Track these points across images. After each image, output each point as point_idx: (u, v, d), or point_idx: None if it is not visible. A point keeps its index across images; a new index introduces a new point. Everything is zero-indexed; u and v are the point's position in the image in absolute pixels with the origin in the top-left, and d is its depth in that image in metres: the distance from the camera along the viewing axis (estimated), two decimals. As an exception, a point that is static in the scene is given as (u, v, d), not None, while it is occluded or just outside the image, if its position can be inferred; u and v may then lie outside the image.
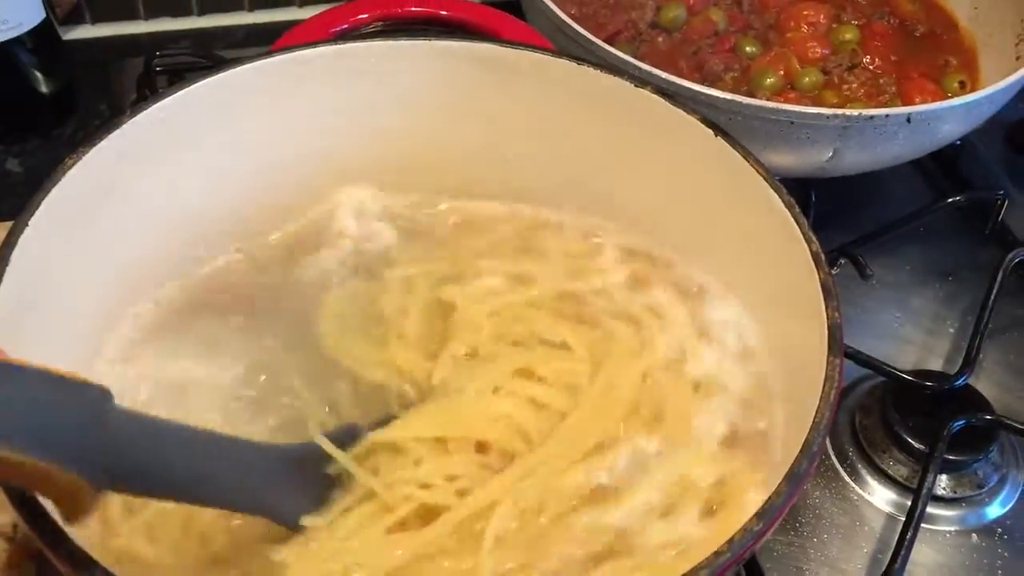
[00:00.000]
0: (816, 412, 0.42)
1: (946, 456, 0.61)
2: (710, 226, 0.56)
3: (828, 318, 0.45)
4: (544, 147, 0.61)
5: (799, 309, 0.48)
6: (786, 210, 0.50)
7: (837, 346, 0.44)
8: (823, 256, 0.47)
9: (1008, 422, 0.63)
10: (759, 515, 0.38)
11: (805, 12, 0.81)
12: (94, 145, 0.50)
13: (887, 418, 0.64)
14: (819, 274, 0.47)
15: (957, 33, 0.83)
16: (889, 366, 0.64)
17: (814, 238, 0.48)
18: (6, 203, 0.75)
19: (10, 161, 0.80)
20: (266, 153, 0.58)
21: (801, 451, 0.40)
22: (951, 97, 0.75)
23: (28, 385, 0.34)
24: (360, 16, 0.68)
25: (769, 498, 0.38)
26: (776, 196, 0.50)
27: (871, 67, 0.77)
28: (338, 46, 0.57)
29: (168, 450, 0.40)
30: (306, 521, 0.44)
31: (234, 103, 0.56)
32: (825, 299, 0.46)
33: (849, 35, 0.79)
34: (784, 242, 0.50)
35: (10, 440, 0.32)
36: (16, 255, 0.45)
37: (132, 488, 0.39)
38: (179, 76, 0.84)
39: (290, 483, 0.45)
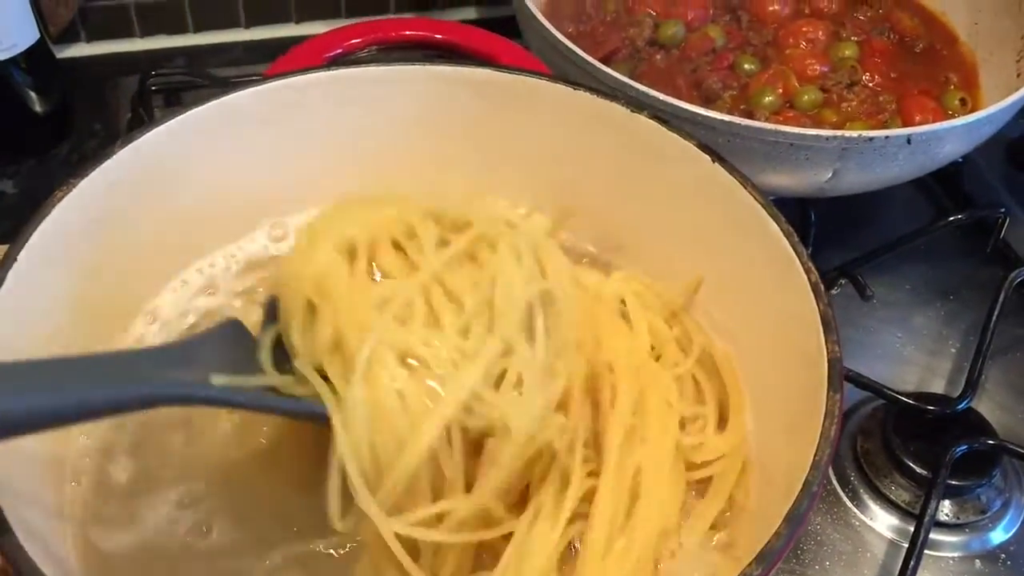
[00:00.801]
0: (816, 450, 0.41)
1: (949, 481, 0.60)
2: (707, 253, 0.55)
3: (828, 352, 0.44)
4: (540, 172, 0.60)
5: (798, 341, 0.48)
6: (784, 239, 0.49)
7: (837, 380, 0.43)
8: (823, 287, 0.47)
9: (1011, 447, 0.62)
10: (758, 559, 0.37)
11: (804, 28, 0.80)
12: (85, 175, 0.49)
13: (889, 442, 0.63)
14: (819, 306, 0.46)
15: (957, 48, 0.82)
16: (890, 389, 0.64)
17: (813, 268, 0.48)
18: (1, 224, 0.75)
19: (4, 182, 0.79)
20: (260, 177, 0.58)
21: (801, 490, 0.40)
22: (951, 115, 0.75)
23: None
24: (354, 41, 0.68)
25: (768, 541, 0.38)
26: (774, 224, 0.50)
27: (871, 84, 0.77)
28: (332, 72, 0.57)
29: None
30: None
31: (227, 130, 0.55)
32: (824, 332, 0.45)
33: (848, 52, 0.78)
34: (783, 271, 0.49)
35: None
36: (5, 289, 0.45)
37: None
38: (174, 95, 0.84)
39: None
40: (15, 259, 0.45)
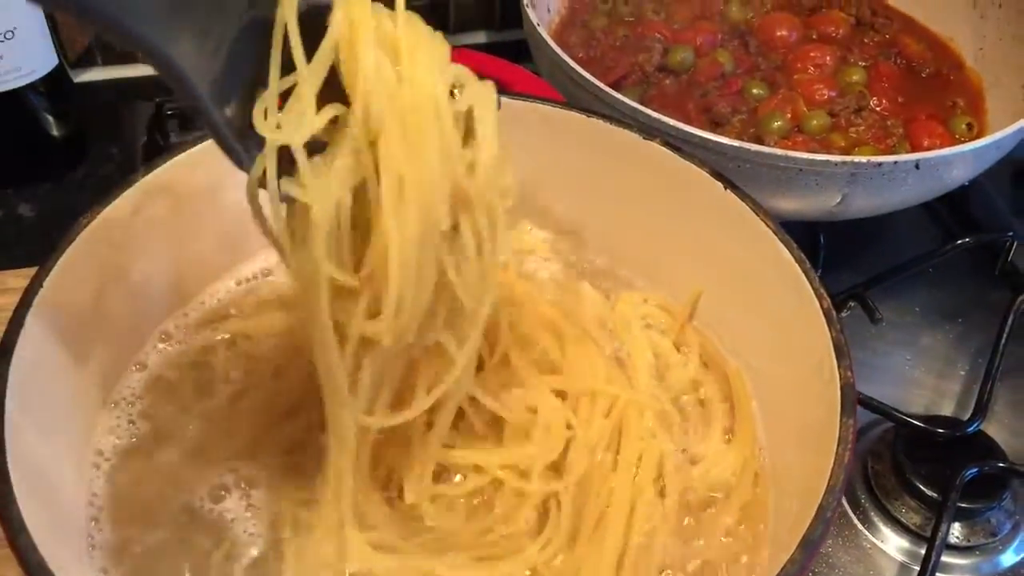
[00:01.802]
0: (830, 475, 0.42)
1: (959, 504, 0.61)
2: (720, 277, 0.56)
3: (840, 378, 0.45)
4: (556, 195, 0.61)
5: (811, 365, 0.48)
6: (797, 266, 0.50)
7: (850, 407, 0.44)
8: (835, 313, 0.47)
9: (1021, 470, 0.63)
10: (774, 585, 0.38)
11: (812, 53, 0.81)
12: (108, 203, 0.50)
13: (899, 465, 0.63)
14: (831, 332, 0.47)
15: (964, 73, 0.83)
16: (900, 412, 0.64)
17: (825, 295, 0.49)
18: (19, 248, 0.76)
19: (22, 206, 0.80)
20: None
21: (816, 516, 0.40)
22: (959, 139, 0.76)
23: None
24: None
25: (784, 567, 0.38)
26: (787, 251, 0.51)
27: (878, 109, 0.78)
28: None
29: None
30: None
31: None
32: (837, 358, 0.46)
33: (856, 76, 0.79)
34: (795, 297, 0.50)
35: None
36: (31, 317, 0.45)
37: None
38: (189, 119, 0.85)
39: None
40: (41, 284, 0.46)
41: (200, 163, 0.54)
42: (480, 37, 0.99)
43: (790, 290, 0.50)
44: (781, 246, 0.51)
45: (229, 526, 0.48)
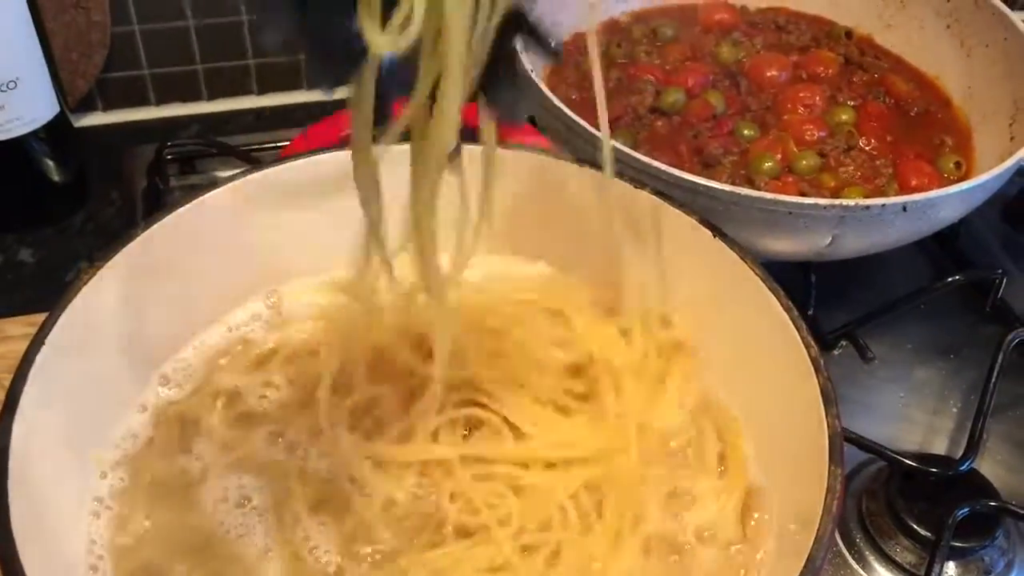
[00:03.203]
0: (819, 525, 0.42)
1: (952, 543, 0.61)
2: (710, 322, 0.57)
3: (828, 426, 0.46)
4: (547, 238, 0.62)
5: (799, 411, 0.49)
6: (785, 313, 0.51)
7: (838, 455, 0.45)
8: (822, 362, 0.48)
9: (1013, 508, 0.63)
10: (764, 636, 0.38)
11: (801, 94, 0.82)
12: (107, 260, 0.51)
13: (892, 504, 0.64)
14: (819, 380, 0.48)
15: (951, 112, 0.84)
16: (892, 451, 0.65)
17: (813, 343, 0.49)
18: (19, 294, 0.77)
19: (23, 252, 0.81)
20: (280, 256, 0.60)
21: (805, 566, 0.41)
22: (947, 178, 0.77)
23: None
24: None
25: (775, 617, 0.39)
26: (775, 299, 0.52)
27: (867, 148, 0.79)
28: (344, 151, 0.58)
29: None
30: None
31: (246, 208, 0.57)
32: (825, 405, 0.47)
33: (845, 116, 0.80)
34: (783, 344, 0.51)
35: None
36: (33, 372, 0.46)
37: None
38: (188, 164, 0.86)
39: None
40: (43, 342, 0.47)
41: (201, 216, 0.55)
42: (475, 78, 1.00)
43: (779, 336, 0.51)
44: (770, 294, 0.52)
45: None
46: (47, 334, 0.47)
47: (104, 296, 0.51)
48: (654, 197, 0.57)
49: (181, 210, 0.54)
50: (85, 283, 0.49)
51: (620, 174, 0.58)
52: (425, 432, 0.52)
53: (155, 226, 0.53)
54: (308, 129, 0.71)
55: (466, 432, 0.54)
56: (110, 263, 0.51)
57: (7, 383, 0.48)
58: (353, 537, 0.50)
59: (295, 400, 0.55)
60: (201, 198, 0.55)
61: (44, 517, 0.46)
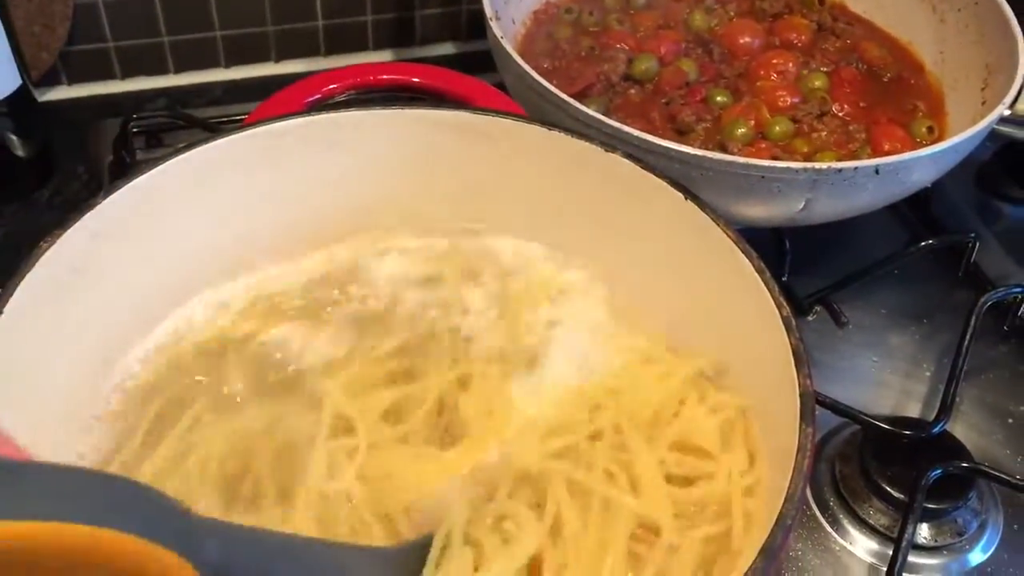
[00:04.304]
0: (789, 483, 0.42)
1: (925, 505, 0.61)
2: (684, 286, 0.57)
3: (800, 386, 0.46)
4: (521, 208, 0.61)
5: (773, 372, 0.49)
6: (757, 275, 0.50)
7: (809, 415, 0.44)
8: (794, 322, 0.48)
9: (985, 469, 0.64)
10: (735, 594, 0.38)
11: (774, 60, 0.82)
12: (68, 227, 0.50)
13: (866, 467, 0.64)
14: (790, 340, 0.47)
15: (924, 77, 0.84)
16: (865, 415, 0.65)
17: (785, 303, 0.49)
18: (-16, 270, 0.76)
19: (-12, 227, 0.80)
20: (242, 224, 0.59)
21: (776, 524, 0.41)
22: (920, 143, 0.77)
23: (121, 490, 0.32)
24: (332, 86, 0.69)
25: (745, 575, 0.39)
26: (747, 260, 0.51)
27: (840, 114, 0.78)
28: (311, 117, 0.58)
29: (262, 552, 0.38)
30: None
31: (208, 177, 0.56)
32: (796, 366, 0.46)
33: (818, 83, 0.80)
34: (756, 305, 0.50)
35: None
36: (-9, 342, 0.45)
37: None
38: (155, 137, 0.85)
39: None
40: (1, 312, 0.46)
41: (161, 184, 0.54)
42: (447, 48, 1.00)
43: (751, 298, 0.51)
44: (742, 255, 0.51)
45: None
46: (4, 303, 0.46)
47: (64, 264, 0.49)
48: (626, 160, 0.56)
49: (144, 176, 0.53)
50: (44, 250, 0.48)
51: (590, 138, 0.58)
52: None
53: (117, 192, 0.52)
54: (271, 97, 0.69)
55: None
56: (71, 229, 0.49)
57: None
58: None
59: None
60: (162, 166, 0.54)
61: None
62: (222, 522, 0.38)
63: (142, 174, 0.53)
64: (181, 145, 0.55)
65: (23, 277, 0.48)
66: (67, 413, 0.52)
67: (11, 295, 0.47)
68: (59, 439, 0.50)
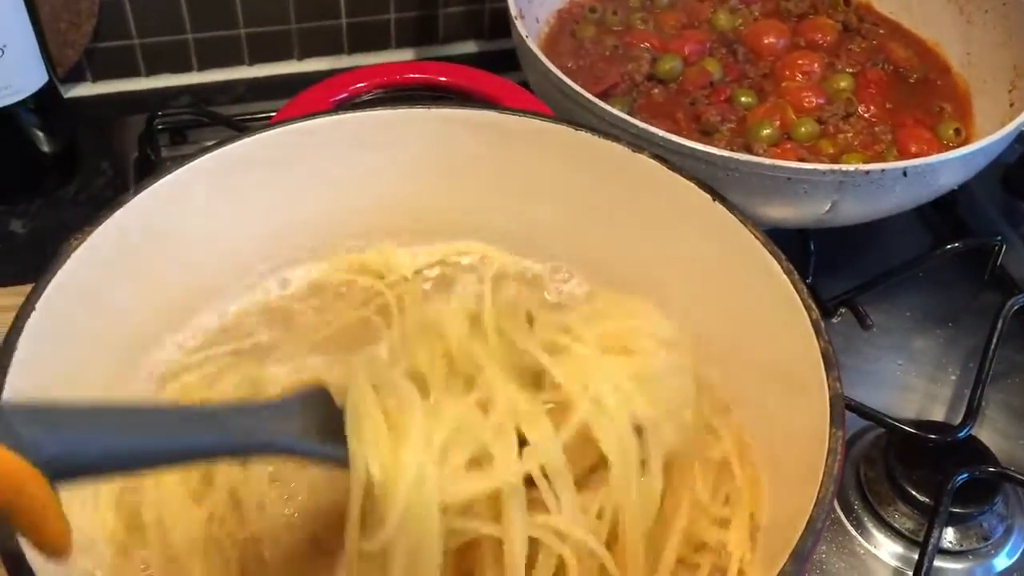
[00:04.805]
0: (820, 487, 0.42)
1: (951, 509, 0.61)
2: (711, 289, 0.56)
3: (829, 388, 0.45)
4: (547, 208, 0.61)
5: (801, 376, 0.48)
6: (785, 276, 0.50)
7: (839, 418, 0.44)
8: (823, 325, 0.48)
9: (1011, 474, 0.63)
10: (765, 598, 0.38)
11: (799, 61, 0.81)
12: (98, 224, 0.50)
13: (891, 471, 0.64)
14: (819, 343, 0.47)
15: (951, 78, 0.83)
16: (891, 418, 0.65)
17: (814, 306, 0.49)
18: (10, 265, 0.76)
19: (14, 222, 0.80)
20: (269, 222, 0.59)
21: (806, 528, 0.40)
22: (947, 145, 0.76)
23: None
24: (359, 85, 0.69)
25: (775, 579, 0.38)
26: (775, 262, 0.51)
27: (866, 115, 0.78)
28: (338, 116, 0.58)
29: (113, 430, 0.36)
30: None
31: (236, 175, 0.56)
32: (826, 368, 0.46)
33: (843, 83, 0.79)
34: (784, 308, 0.50)
35: None
36: (23, 340, 0.46)
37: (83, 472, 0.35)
38: (180, 134, 0.85)
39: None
40: (34, 307, 0.46)
41: (191, 182, 0.54)
42: (470, 47, 0.99)
43: (779, 300, 0.50)
44: (770, 257, 0.51)
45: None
46: (37, 299, 0.46)
47: (94, 261, 0.50)
48: (652, 160, 0.56)
49: (172, 174, 0.53)
50: (76, 247, 0.49)
51: (617, 139, 0.58)
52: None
53: (147, 190, 0.52)
54: (297, 96, 0.69)
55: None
56: (102, 226, 0.50)
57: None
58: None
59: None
60: (191, 164, 0.54)
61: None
62: (51, 408, 0.35)
63: (170, 173, 0.53)
64: (210, 143, 0.55)
65: (54, 273, 0.48)
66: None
67: (43, 291, 0.47)
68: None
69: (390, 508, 0.40)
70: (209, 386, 0.53)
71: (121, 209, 0.51)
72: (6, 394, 0.43)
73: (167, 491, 0.48)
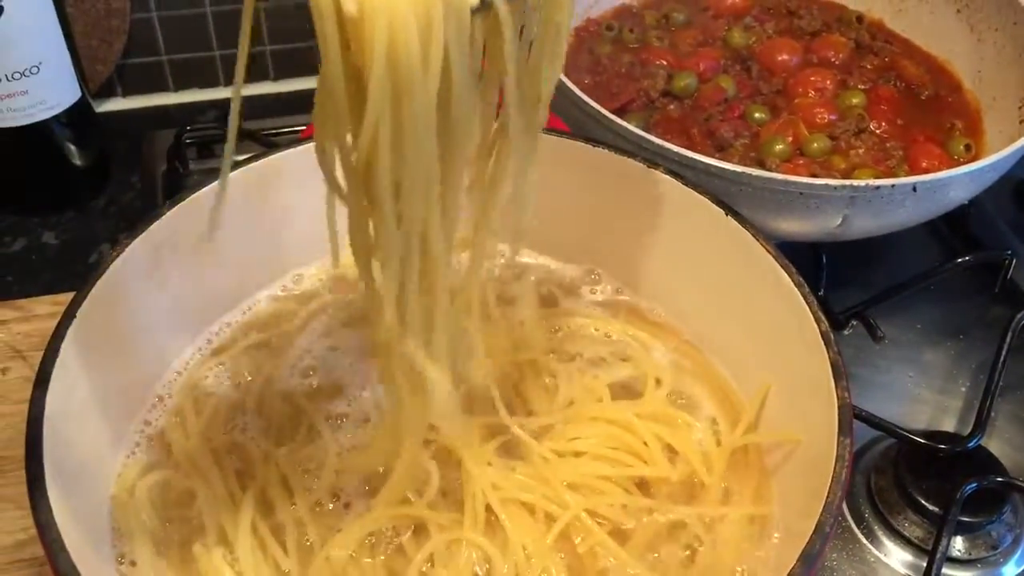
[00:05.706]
0: (828, 492, 0.43)
1: (960, 518, 0.62)
2: (724, 301, 0.58)
3: (838, 398, 0.47)
4: (564, 223, 0.63)
5: (811, 386, 0.50)
6: (796, 290, 0.52)
7: (847, 426, 0.46)
8: (832, 336, 0.49)
9: (1020, 484, 0.64)
10: (775, 598, 0.39)
11: (812, 78, 0.83)
12: (136, 236, 0.53)
13: (901, 480, 0.65)
14: (829, 354, 0.49)
15: (961, 95, 0.85)
16: (902, 429, 0.66)
17: (823, 318, 0.50)
18: (43, 276, 0.79)
19: (46, 234, 0.83)
20: (301, 233, 0.61)
21: (815, 531, 0.42)
22: (957, 161, 0.77)
23: None
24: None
25: (784, 580, 0.40)
26: (786, 275, 0.53)
27: (878, 131, 0.79)
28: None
29: None
30: None
31: (267, 188, 0.58)
32: (835, 379, 0.48)
33: (855, 100, 0.81)
34: (795, 320, 0.52)
35: None
36: (65, 344, 0.48)
37: None
38: (207, 148, 0.87)
39: None
40: (74, 316, 0.48)
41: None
42: (489, 63, 1.01)
43: (790, 312, 0.52)
44: (781, 271, 0.53)
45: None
46: (77, 308, 0.48)
47: (130, 272, 0.52)
48: (668, 176, 0.58)
49: (204, 190, 0.55)
50: (114, 259, 0.51)
51: (633, 155, 0.59)
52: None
53: (179, 205, 0.54)
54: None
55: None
56: (138, 239, 0.52)
57: (33, 361, 0.49)
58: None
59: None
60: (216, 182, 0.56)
61: (79, 480, 0.47)
62: None
63: (205, 187, 0.55)
64: (243, 157, 0.57)
65: (94, 285, 0.50)
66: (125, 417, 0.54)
67: (83, 301, 0.49)
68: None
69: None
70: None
71: (157, 222, 0.53)
72: (48, 396, 0.45)
73: None
